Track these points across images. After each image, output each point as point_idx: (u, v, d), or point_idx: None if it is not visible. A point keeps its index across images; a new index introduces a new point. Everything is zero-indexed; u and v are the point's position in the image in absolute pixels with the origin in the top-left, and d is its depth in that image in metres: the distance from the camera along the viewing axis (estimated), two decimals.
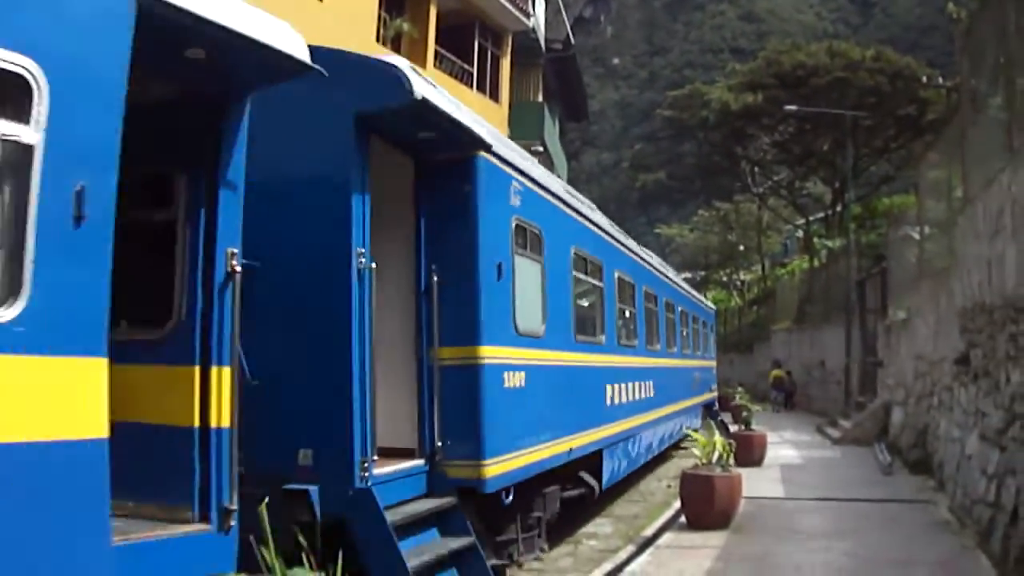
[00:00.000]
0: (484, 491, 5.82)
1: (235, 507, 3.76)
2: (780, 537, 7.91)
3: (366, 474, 4.93)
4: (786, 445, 16.48)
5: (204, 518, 3.69)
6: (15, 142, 2.81)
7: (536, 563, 7.26)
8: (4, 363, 2.71)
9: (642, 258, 12.89)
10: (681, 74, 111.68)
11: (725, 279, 51.09)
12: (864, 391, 19.86)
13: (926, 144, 23.76)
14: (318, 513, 4.75)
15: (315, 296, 5.05)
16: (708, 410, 19.86)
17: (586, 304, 9.06)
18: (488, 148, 6.11)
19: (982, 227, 7.90)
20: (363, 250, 5.12)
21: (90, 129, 3.05)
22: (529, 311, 6.88)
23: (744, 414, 14.17)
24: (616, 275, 10.29)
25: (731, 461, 8.89)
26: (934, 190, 13.11)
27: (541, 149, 26.20)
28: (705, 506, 8.31)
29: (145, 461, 3.65)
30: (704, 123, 36.08)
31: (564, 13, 33.70)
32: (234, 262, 3.85)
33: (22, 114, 2.82)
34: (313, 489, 4.77)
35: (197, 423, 3.74)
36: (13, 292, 2.78)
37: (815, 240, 35.73)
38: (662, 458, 14.26)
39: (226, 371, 3.81)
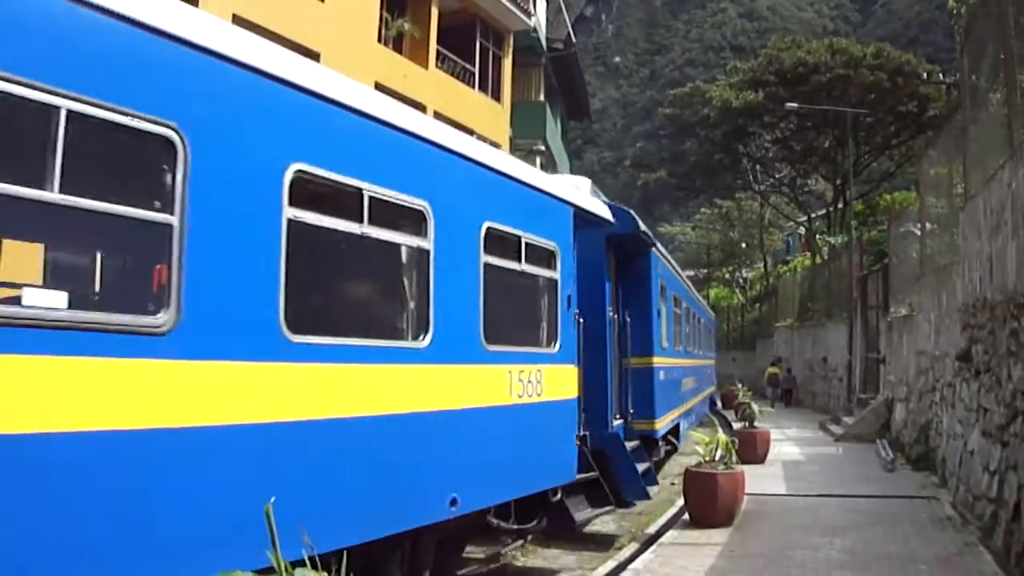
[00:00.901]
0: (655, 437, 10.51)
1: (584, 433, 7.57)
2: (783, 534, 7.95)
3: (614, 424, 8.82)
4: (789, 442, 16.52)
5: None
6: (554, 279, 6.96)
7: (539, 560, 7.49)
8: (556, 369, 6.85)
9: (690, 287, 18.89)
10: (682, 72, 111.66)
11: (727, 277, 51.08)
12: (866, 388, 19.87)
13: (927, 141, 23.72)
14: (589, 446, 7.76)
15: (591, 332, 8.05)
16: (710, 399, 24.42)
17: (676, 324, 14.00)
18: (655, 245, 11.03)
19: (983, 223, 7.91)
20: (610, 308, 9.04)
21: (569, 267, 7.19)
22: (664, 333, 11.81)
23: (746, 411, 14.17)
24: (684, 304, 15.65)
25: (734, 458, 8.92)
26: (935, 187, 13.11)
27: (543, 148, 26.19)
28: (708, 503, 8.35)
29: None
30: (705, 121, 36.11)
31: (565, 12, 33.69)
32: (578, 316, 7.47)
33: (554, 266, 6.98)
34: (586, 434, 7.74)
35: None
36: (555, 339, 6.94)
37: (817, 237, 35.72)
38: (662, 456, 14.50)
39: (578, 369, 7.47)
